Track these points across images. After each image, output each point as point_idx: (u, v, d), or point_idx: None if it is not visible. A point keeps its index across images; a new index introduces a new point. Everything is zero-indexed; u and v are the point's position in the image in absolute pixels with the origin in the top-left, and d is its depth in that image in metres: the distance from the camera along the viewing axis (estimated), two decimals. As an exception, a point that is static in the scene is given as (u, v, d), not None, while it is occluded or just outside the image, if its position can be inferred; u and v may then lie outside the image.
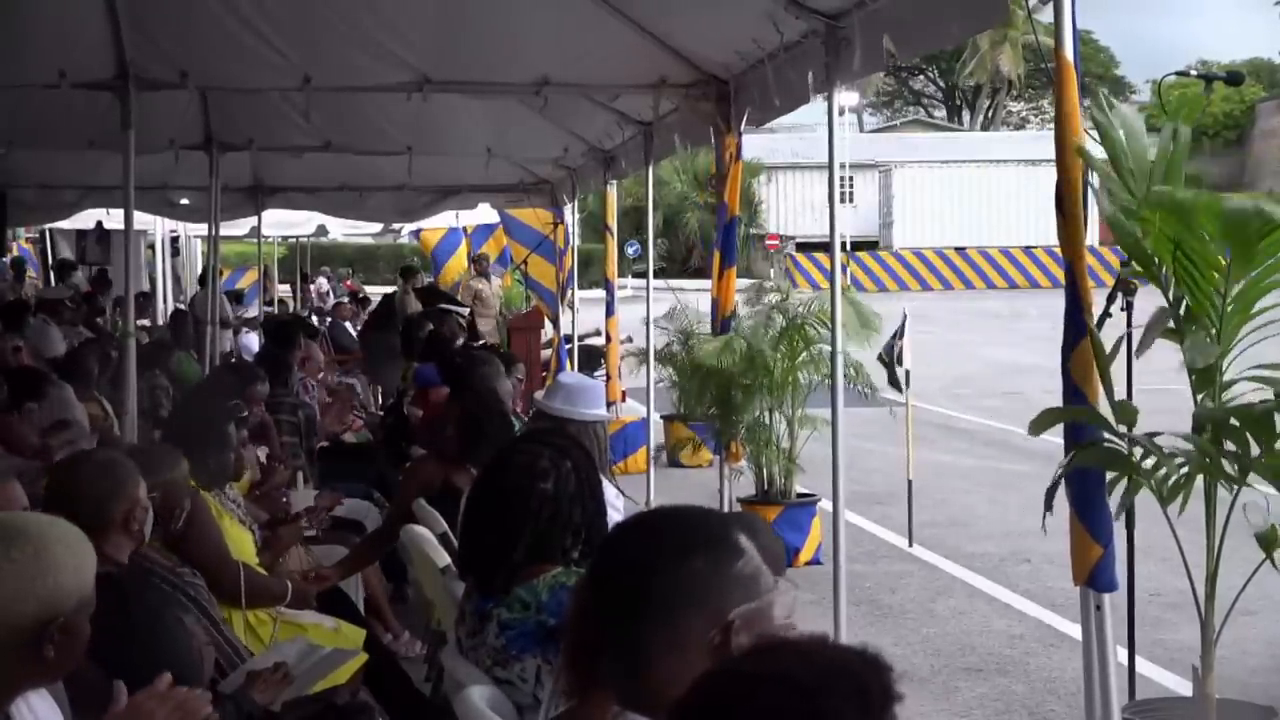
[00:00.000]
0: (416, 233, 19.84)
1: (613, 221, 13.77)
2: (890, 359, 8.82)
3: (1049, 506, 3.91)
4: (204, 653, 3.82)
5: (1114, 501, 3.96)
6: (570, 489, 3.45)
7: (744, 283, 9.22)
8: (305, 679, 4.16)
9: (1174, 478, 3.86)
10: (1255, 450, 3.89)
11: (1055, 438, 4.08)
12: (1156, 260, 3.96)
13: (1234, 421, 3.88)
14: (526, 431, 3.80)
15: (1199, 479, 3.94)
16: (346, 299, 24.86)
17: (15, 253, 20.68)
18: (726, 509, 7.72)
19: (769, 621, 1.84)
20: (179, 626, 3.58)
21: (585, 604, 2.16)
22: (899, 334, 8.86)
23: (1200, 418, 3.90)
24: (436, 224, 17.49)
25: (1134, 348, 4.15)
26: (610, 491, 4.96)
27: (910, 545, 9.14)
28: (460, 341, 11.11)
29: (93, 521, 3.55)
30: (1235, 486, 3.91)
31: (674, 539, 1.94)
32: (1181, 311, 3.99)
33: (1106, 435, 3.90)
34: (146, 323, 15.45)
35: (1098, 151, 3.99)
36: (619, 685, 1.86)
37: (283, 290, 25.45)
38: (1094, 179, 3.96)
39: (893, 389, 8.94)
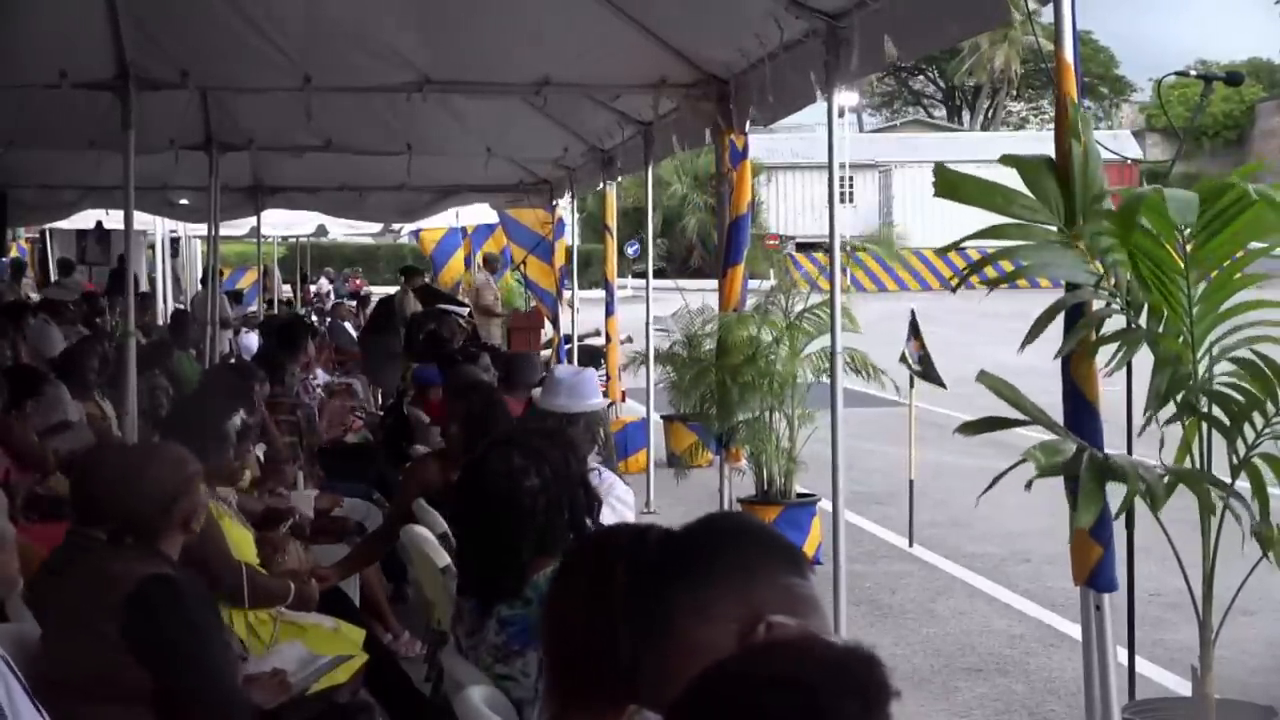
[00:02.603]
0: (416, 233, 19.83)
1: (612, 222, 13.77)
2: (916, 360, 8.74)
3: (990, 486, 3.92)
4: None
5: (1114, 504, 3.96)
6: (552, 476, 3.45)
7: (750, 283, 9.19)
8: (310, 677, 4.16)
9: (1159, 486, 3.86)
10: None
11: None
12: (1103, 273, 3.95)
13: (1217, 412, 3.89)
14: (489, 441, 3.75)
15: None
16: (348, 298, 24.90)
17: (15, 253, 20.67)
18: (727, 509, 7.72)
19: None
20: (222, 631, 3.57)
21: (583, 609, 2.15)
22: (913, 333, 8.82)
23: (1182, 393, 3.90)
24: (436, 224, 17.48)
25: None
26: (621, 488, 4.95)
27: (910, 545, 9.14)
28: (460, 342, 11.11)
29: (155, 519, 3.51)
30: (1228, 486, 3.92)
31: (738, 523, 1.96)
32: (1143, 320, 3.98)
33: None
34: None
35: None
36: (638, 659, 1.82)
37: (284, 291, 25.45)
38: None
39: (936, 386, 8.82)
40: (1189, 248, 3.82)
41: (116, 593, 3.29)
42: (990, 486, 3.90)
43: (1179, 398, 3.92)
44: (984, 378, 4.00)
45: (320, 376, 11.42)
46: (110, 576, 3.26)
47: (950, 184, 3.94)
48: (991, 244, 4.04)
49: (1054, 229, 3.97)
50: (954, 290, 4.28)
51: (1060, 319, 4.02)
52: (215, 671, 3.42)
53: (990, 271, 4.10)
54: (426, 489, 5.72)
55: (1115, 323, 4.08)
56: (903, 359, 8.84)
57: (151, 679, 3.29)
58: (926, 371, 8.66)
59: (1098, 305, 4.00)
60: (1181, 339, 3.91)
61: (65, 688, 2.83)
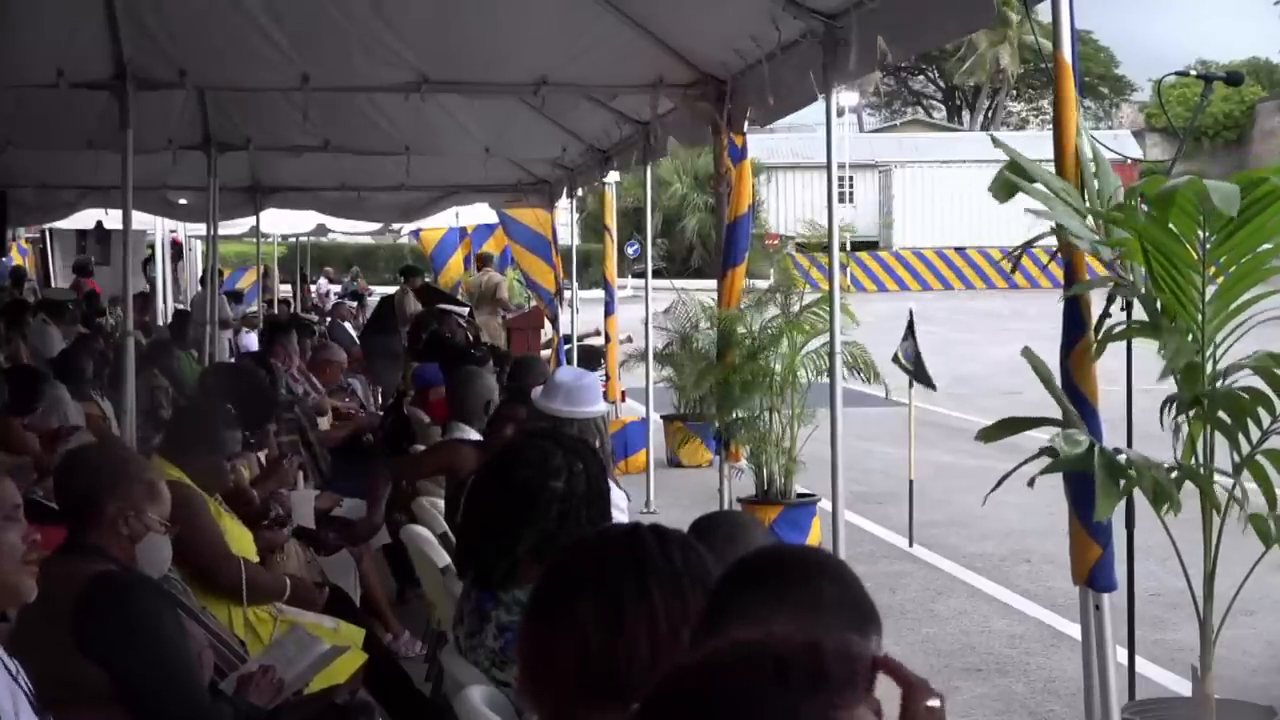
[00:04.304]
0: (416, 233, 19.85)
1: (611, 221, 13.78)
2: (909, 361, 8.79)
3: (999, 484, 3.91)
4: (204, 656, 3.82)
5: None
6: (580, 489, 3.39)
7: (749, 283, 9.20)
8: (306, 672, 4.15)
9: (1170, 478, 3.86)
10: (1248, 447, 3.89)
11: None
12: (1121, 262, 3.95)
13: (1223, 415, 3.88)
14: (538, 429, 3.72)
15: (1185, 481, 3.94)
16: (348, 299, 24.91)
17: (17, 256, 20.68)
18: (726, 509, 7.71)
19: None
20: (179, 626, 3.58)
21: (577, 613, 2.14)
22: (908, 334, 8.84)
23: (1183, 402, 3.90)
24: (436, 224, 17.49)
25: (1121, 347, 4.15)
26: (616, 494, 4.94)
27: (910, 545, 9.13)
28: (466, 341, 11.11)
29: (87, 515, 3.56)
30: (1230, 486, 3.91)
31: (834, 567, 2.00)
32: (1158, 308, 3.98)
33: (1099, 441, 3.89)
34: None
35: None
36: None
37: (284, 290, 25.43)
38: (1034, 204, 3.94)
39: (925, 387, 8.91)
40: (1208, 245, 3.82)
41: (65, 594, 3.29)
42: (1000, 482, 3.89)
43: (1186, 397, 3.92)
44: (1027, 354, 4.00)
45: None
46: (57, 578, 3.26)
47: (1009, 187, 3.93)
48: (980, 243, 4.03)
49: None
50: (1011, 270, 4.28)
51: (1058, 315, 4.01)
52: (171, 668, 3.41)
53: (1044, 257, 4.10)
54: (451, 470, 5.71)
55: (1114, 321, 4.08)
56: (895, 359, 8.86)
57: (108, 680, 3.29)
58: (919, 373, 8.73)
59: (1110, 299, 4.00)
60: (1191, 337, 3.91)
61: (39, 695, 2.82)
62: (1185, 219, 3.78)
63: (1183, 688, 5.27)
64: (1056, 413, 4.05)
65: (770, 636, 1.39)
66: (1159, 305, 3.97)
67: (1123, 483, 3.78)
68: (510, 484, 3.39)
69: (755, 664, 1.33)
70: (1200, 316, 3.90)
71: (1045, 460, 3.84)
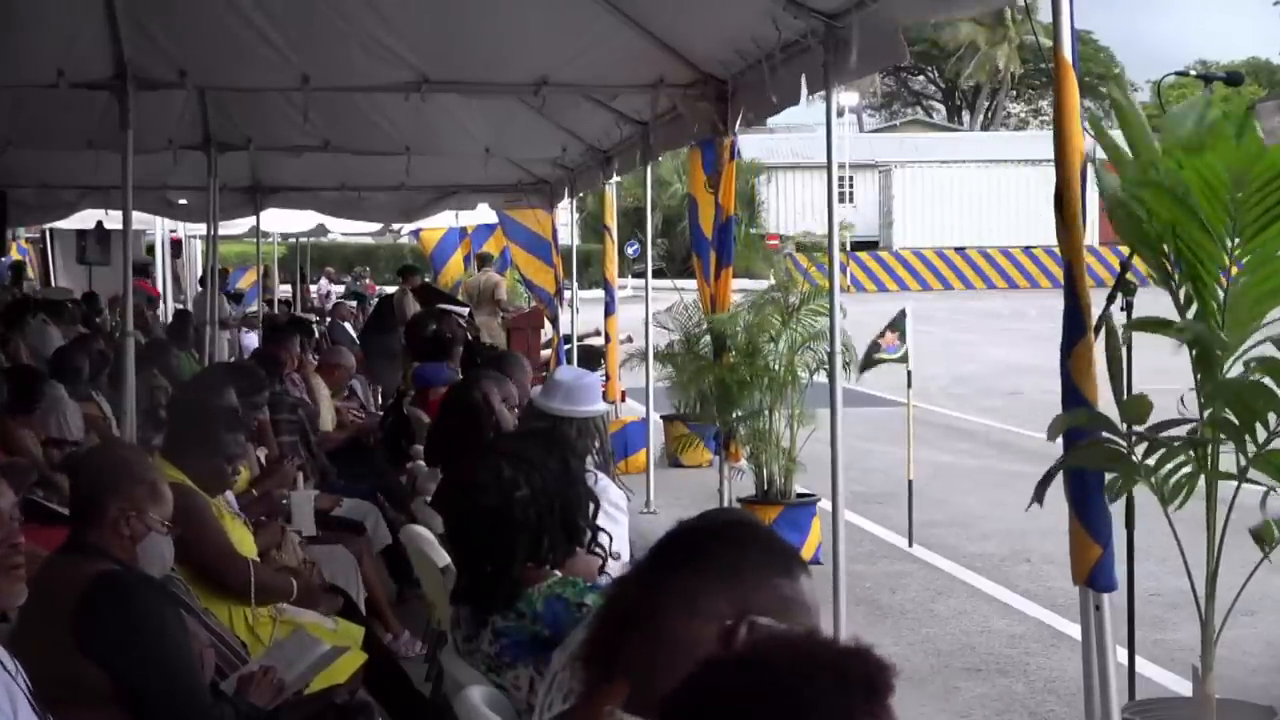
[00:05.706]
0: (416, 233, 19.85)
1: (611, 221, 13.78)
2: (889, 352, 8.81)
3: (1039, 498, 3.90)
4: (205, 655, 3.82)
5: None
6: (540, 484, 3.40)
7: (748, 284, 9.20)
8: (307, 673, 4.15)
9: (1175, 477, 3.86)
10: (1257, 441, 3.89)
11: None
12: (1164, 246, 3.93)
13: (1228, 414, 3.88)
14: (476, 451, 3.68)
15: (1200, 478, 3.93)
16: (348, 299, 24.91)
17: (17, 255, 20.68)
18: (726, 508, 7.71)
19: None
20: (180, 626, 3.58)
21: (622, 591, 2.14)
22: (892, 329, 8.83)
23: (1208, 397, 3.89)
24: (436, 224, 17.49)
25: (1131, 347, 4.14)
26: (616, 493, 4.94)
27: (910, 545, 9.13)
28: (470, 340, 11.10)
29: (90, 515, 3.57)
30: (1235, 484, 3.91)
31: (736, 521, 1.99)
32: (1182, 298, 3.97)
33: (1105, 435, 3.89)
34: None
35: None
36: (635, 655, 1.83)
37: (283, 290, 25.40)
38: (1090, 172, 3.92)
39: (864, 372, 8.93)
40: (1237, 240, 3.80)
41: (65, 594, 3.30)
42: (1038, 497, 3.88)
43: (1200, 400, 3.92)
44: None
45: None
46: (59, 577, 3.26)
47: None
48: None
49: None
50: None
51: (1058, 315, 4.02)
52: (173, 668, 3.42)
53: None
54: None
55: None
56: (872, 354, 8.85)
57: (109, 680, 3.29)
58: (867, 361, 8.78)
59: (1110, 299, 3.99)
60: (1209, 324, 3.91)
61: (38, 694, 2.83)
62: (1217, 207, 3.74)
63: (1183, 688, 5.27)
64: (1056, 411, 4.05)
65: (822, 637, 1.41)
66: (1180, 296, 3.95)
67: (1149, 459, 3.78)
68: (480, 519, 3.36)
69: (813, 670, 1.35)
70: (1220, 318, 3.88)
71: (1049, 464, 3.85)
